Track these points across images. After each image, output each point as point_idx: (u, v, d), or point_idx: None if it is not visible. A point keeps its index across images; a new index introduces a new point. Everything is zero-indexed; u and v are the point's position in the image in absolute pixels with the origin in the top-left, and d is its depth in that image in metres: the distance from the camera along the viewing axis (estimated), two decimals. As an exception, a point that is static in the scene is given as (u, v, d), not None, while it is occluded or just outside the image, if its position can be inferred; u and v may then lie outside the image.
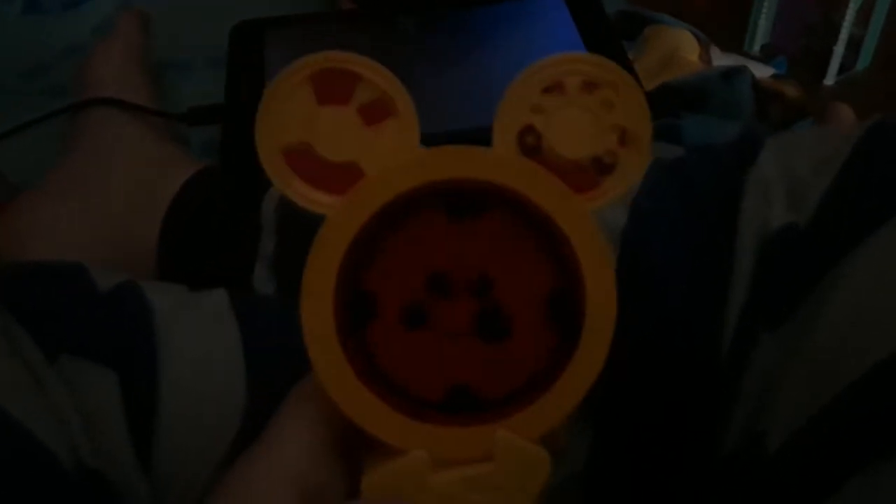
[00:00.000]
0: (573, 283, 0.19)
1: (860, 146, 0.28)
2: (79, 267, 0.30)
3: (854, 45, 1.35)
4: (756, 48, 1.41)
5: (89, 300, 0.29)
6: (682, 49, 0.48)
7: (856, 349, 0.24)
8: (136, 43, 0.45)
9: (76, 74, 0.44)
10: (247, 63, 0.45)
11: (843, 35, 1.33)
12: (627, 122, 0.19)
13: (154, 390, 0.28)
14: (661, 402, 0.30)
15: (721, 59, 0.51)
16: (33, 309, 0.28)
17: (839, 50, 1.34)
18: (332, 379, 0.19)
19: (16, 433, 0.25)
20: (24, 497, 0.24)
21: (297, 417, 0.20)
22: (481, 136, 0.39)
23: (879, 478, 0.22)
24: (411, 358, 0.19)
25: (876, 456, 0.22)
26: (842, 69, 1.36)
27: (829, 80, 1.37)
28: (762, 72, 0.52)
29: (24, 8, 0.53)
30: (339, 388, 0.19)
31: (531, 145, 0.19)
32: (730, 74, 0.41)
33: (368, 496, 0.19)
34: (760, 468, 0.26)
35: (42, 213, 0.38)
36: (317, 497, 0.19)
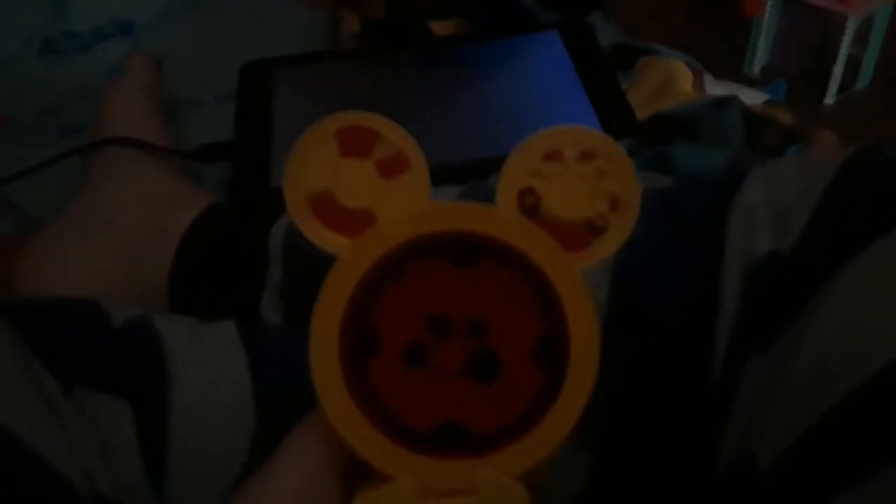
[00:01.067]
0: (559, 331, 0.21)
1: (842, 171, 0.29)
2: (93, 302, 0.32)
3: (853, 65, 1.37)
4: (756, 70, 1.43)
5: (103, 334, 0.30)
6: (675, 78, 0.49)
7: (837, 370, 0.25)
8: (149, 83, 0.47)
9: (93, 114, 0.46)
10: (255, 100, 0.47)
11: (842, 55, 1.34)
12: (619, 190, 0.21)
13: (165, 420, 0.29)
14: (657, 425, 0.31)
15: (714, 87, 0.52)
16: (50, 343, 0.29)
17: (838, 70, 1.35)
18: (333, 406, 0.20)
19: (34, 463, 0.26)
20: None
21: (304, 444, 0.21)
22: (477, 167, 0.40)
23: (862, 496, 0.23)
24: (408, 392, 0.21)
25: (858, 475, 0.23)
26: (842, 88, 1.37)
27: (830, 100, 1.38)
28: (756, 98, 0.53)
29: (41, 49, 0.55)
30: (338, 414, 0.20)
31: (530, 205, 0.21)
32: (721, 103, 0.42)
33: None
34: (751, 489, 0.26)
35: (58, 249, 0.40)
36: None
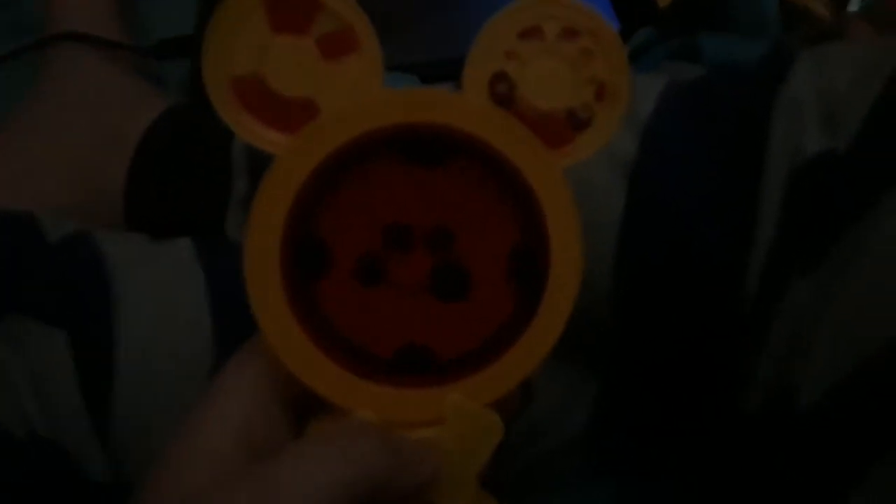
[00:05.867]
0: (537, 242, 0.18)
1: None
2: (25, 215, 0.28)
3: (882, -32, 1.28)
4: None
5: (37, 253, 0.27)
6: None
7: None
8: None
9: (45, 8, 0.41)
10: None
11: (871, -44, 1.26)
12: (606, 75, 0.18)
13: (109, 351, 0.26)
14: (678, 351, 0.28)
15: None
16: None
17: (866, -27, 1.27)
18: (275, 333, 0.18)
19: None
20: None
21: (242, 371, 0.18)
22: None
23: None
24: (363, 313, 0.19)
25: None
26: (868, -6, 1.30)
27: (854, 6, 1.30)
28: (788, -12, 0.48)
29: (-11, -61, 0.49)
30: (281, 342, 0.18)
31: (503, 94, 0.18)
32: (754, -14, 0.37)
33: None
34: (790, 428, 0.23)
35: (1, 159, 0.35)
36: (264, 452, 0.18)
